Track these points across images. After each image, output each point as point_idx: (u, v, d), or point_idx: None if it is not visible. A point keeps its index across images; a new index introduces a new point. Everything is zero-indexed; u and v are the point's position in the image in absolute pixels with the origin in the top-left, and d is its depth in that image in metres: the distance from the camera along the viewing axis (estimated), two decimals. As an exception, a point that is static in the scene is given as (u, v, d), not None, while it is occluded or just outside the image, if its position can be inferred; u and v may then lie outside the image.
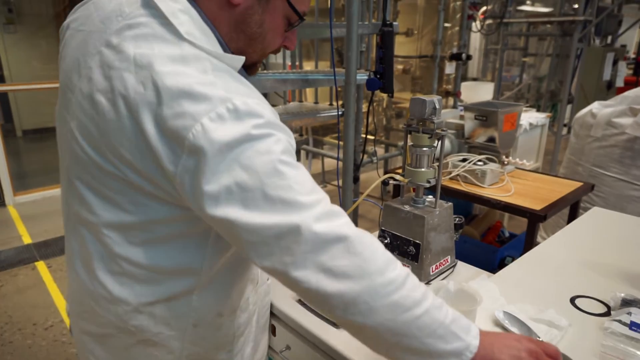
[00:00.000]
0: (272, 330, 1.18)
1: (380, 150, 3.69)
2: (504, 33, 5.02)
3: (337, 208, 0.68)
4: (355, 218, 2.89)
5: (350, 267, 0.63)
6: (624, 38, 6.59)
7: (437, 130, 1.17)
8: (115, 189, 0.70)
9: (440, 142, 1.19)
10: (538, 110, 4.34)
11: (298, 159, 3.15)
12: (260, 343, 1.07)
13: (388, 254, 0.69)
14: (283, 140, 0.65)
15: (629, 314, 0.89)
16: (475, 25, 4.86)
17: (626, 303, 0.94)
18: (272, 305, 1.15)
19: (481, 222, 2.48)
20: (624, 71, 4.89)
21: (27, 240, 3.41)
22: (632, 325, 0.86)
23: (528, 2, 5.74)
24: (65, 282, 1.13)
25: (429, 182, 1.22)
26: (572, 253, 1.20)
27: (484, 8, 5.23)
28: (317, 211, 0.64)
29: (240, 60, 0.71)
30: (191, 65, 0.64)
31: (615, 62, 4.62)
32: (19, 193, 4.21)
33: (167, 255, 0.75)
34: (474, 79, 5.93)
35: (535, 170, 2.49)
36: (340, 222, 0.65)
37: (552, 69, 5.07)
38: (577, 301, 0.98)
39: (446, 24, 3.99)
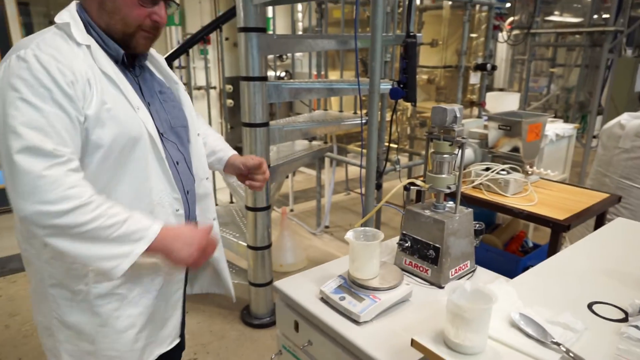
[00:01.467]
0: (295, 326, 1.23)
1: (403, 159, 3.71)
2: (531, 43, 4.97)
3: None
4: (377, 225, 2.92)
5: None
6: (659, 48, 6.38)
7: (457, 138, 1.21)
8: None
9: (460, 150, 1.23)
10: (566, 122, 4.27)
11: (322, 167, 3.25)
12: (168, 321, 1.21)
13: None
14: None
15: (646, 319, 0.90)
16: (502, 35, 4.84)
17: (644, 309, 0.95)
18: (294, 302, 1.20)
19: (504, 231, 2.48)
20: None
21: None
22: (649, 331, 0.87)
23: (556, 12, 5.68)
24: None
25: (449, 188, 1.25)
26: (592, 261, 1.21)
27: (511, 19, 5.21)
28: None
29: (66, 25, 0.99)
30: (41, 36, 0.97)
31: (647, 73, 4.52)
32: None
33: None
34: (501, 89, 5.88)
35: (561, 182, 2.47)
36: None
37: (581, 79, 4.99)
38: (595, 307, 0.99)
39: (472, 35, 4.00)
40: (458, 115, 1.21)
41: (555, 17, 5.67)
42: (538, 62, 5.95)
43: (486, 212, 2.59)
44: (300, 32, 4.45)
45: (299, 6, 4.51)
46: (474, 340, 0.83)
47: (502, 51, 6.08)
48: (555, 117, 5.08)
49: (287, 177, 4.45)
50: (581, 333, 0.89)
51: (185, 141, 1.20)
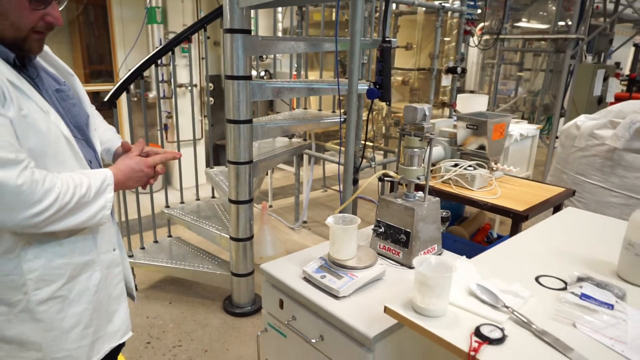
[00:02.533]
0: (280, 304, 1.35)
1: (379, 157, 3.87)
2: (500, 48, 5.23)
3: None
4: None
5: None
6: (619, 56, 6.79)
7: (426, 134, 1.35)
8: None
9: (429, 145, 1.38)
10: (532, 123, 4.53)
11: (301, 164, 3.39)
12: (115, 315, 1.24)
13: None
14: None
15: (581, 287, 1.06)
16: (473, 40, 5.07)
17: (580, 280, 1.11)
18: (279, 282, 1.32)
19: (471, 223, 2.66)
20: (614, 87, 5.09)
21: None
22: (582, 296, 1.03)
23: (524, 19, 5.98)
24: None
25: (419, 178, 1.40)
26: (542, 243, 1.37)
27: (482, 24, 5.46)
28: None
29: None
30: None
31: (605, 79, 4.82)
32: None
33: None
34: (471, 92, 6.14)
35: (524, 178, 2.67)
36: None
37: (546, 83, 5.28)
38: (541, 279, 1.15)
39: (446, 39, 4.20)
40: (427, 113, 1.36)
41: (523, 24, 5.96)
42: (507, 66, 6.24)
43: (455, 206, 2.77)
44: (280, 33, 4.56)
45: (280, 8, 4.61)
46: (437, 304, 0.97)
47: (473, 55, 6.34)
48: (522, 118, 5.36)
49: (267, 174, 4.55)
50: (527, 299, 1.05)
51: (90, 138, 1.20)
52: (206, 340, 2.37)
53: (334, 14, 4.47)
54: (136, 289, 1.46)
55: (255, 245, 3.00)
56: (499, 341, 0.89)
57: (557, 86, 4.95)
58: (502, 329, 0.92)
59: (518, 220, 2.00)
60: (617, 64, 6.25)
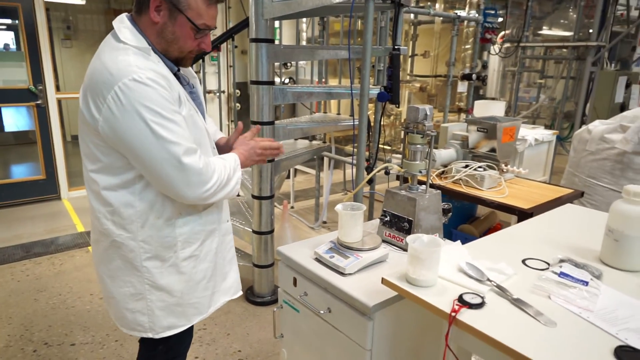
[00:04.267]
0: (294, 282, 1.51)
1: (396, 160, 4.00)
2: (521, 56, 5.29)
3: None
4: (370, 215, 3.21)
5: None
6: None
7: (427, 132, 1.50)
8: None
9: (430, 142, 1.52)
10: (551, 129, 4.56)
11: (321, 168, 3.60)
12: (228, 275, 1.55)
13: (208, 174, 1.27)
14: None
15: (561, 267, 1.18)
16: (494, 48, 5.16)
17: (561, 261, 1.23)
18: (294, 262, 1.49)
19: (482, 223, 2.76)
20: (638, 94, 5.06)
21: (80, 228, 3.87)
22: (561, 274, 1.15)
23: (545, 27, 6.00)
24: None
25: (420, 172, 1.54)
26: (534, 232, 1.49)
27: (503, 32, 5.53)
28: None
29: (147, 49, 1.21)
30: (128, 57, 1.17)
31: (628, 86, 4.81)
32: (73, 189, 4.72)
33: (109, 180, 1.26)
34: (492, 99, 6.19)
35: (536, 181, 2.75)
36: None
37: (566, 90, 5.30)
38: (527, 261, 1.27)
39: (466, 47, 4.31)
40: (428, 113, 1.51)
41: (545, 31, 5.99)
42: (531, 73, 6.26)
43: (467, 206, 2.89)
44: (304, 42, 4.77)
45: (304, 18, 4.83)
46: (427, 275, 1.12)
47: (495, 63, 6.39)
48: (545, 126, 5.38)
49: (289, 177, 4.74)
50: (511, 276, 1.17)
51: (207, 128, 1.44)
52: (229, 325, 2.55)
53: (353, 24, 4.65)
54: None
55: (276, 242, 3.18)
56: (478, 306, 1.02)
57: (579, 93, 4.97)
58: (482, 297, 1.05)
59: (523, 217, 2.10)
60: (645, 71, 6.15)
